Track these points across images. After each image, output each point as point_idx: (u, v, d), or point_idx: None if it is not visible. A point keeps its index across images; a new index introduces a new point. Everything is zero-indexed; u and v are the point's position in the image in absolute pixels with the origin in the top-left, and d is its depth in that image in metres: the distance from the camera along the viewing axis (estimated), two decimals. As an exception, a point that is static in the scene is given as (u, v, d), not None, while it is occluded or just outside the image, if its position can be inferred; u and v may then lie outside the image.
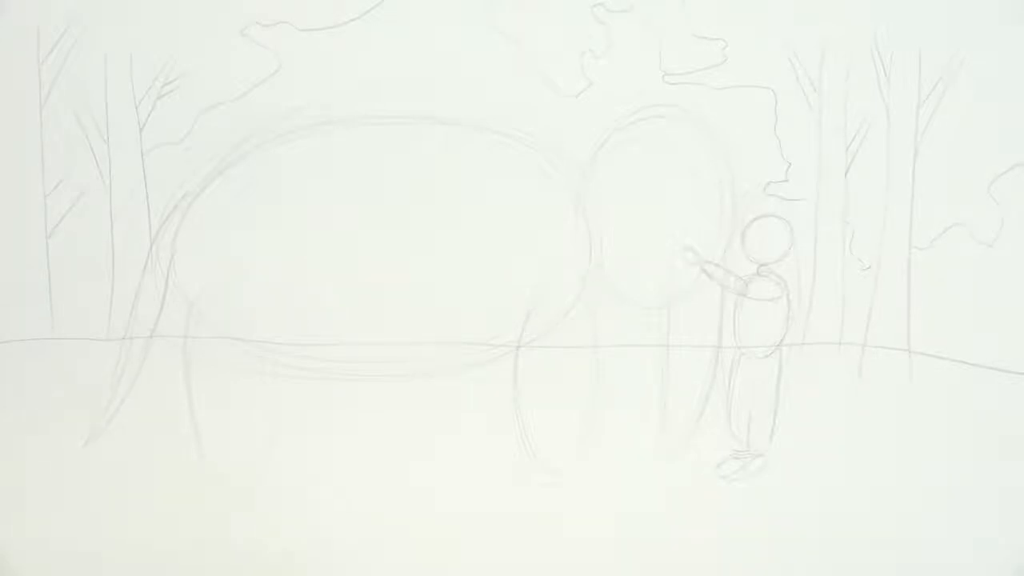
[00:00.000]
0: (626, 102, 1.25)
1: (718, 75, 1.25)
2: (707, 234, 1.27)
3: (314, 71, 1.25)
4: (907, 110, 1.25)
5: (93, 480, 1.29)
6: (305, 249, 1.27)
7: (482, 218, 1.27)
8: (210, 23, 1.24)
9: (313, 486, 1.30)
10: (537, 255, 1.27)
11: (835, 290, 1.28)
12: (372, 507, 1.30)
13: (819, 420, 1.28)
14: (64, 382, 1.28)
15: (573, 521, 1.29)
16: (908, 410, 1.28)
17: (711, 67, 1.25)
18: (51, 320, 1.27)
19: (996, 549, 1.28)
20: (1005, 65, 1.23)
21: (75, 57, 1.24)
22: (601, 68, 1.25)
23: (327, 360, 1.28)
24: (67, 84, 1.25)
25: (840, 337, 1.28)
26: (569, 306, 1.28)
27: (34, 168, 1.26)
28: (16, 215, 1.26)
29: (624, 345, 1.28)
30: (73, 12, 1.24)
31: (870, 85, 1.25)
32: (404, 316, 1.28)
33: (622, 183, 1.27)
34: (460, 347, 1.28)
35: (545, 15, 1.24)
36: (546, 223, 1.27)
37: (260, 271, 1.27)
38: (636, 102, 1.25)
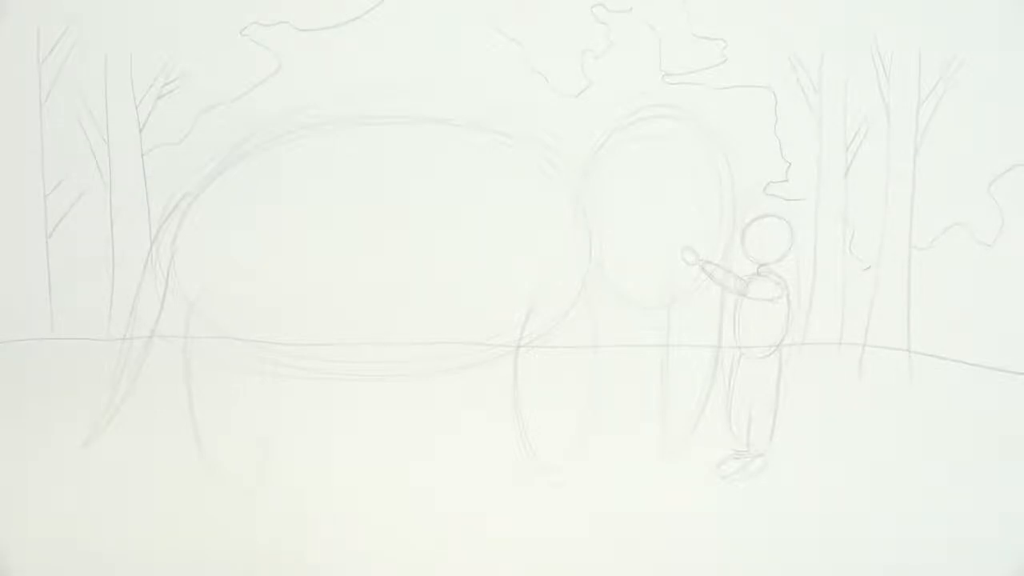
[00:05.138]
0: (626, 102, 1.25)
1: (718, 75, 1.25)
2: (707, 234, 1.27)
3: (314, 71, 1.25)
4: (907, 110, 1.25)
5: (93, 480, 1.29)
6: (305, 249, 1.27)
7: (482, 218, 1.27)
8: (210, 23, 1.24)
9: (313, 486, 1.29)
10: (537, 255, 1.27)
11: (835, 290, 1.28)
12: (372, 507, 1.30)
13: (819, 420, 1.28)
14: (64, 382, 1.28)
15: (573, 521, 1.29)
16: (908, 410, 1.28)
17: (711, 67, 1.25)
18: (51, 320, 1.27)
19: (996, 549, 1.28)
20: (1005, 65, 1.23)
21: (75, 57, 1.24)
22: (601, 68, 1.25)
23: (327, 360, 1.28)
24: (67, 84, 1.25)
25: (840, 337, 1.28)
26: (569, 306, 1.28)
27: (34, 168, 1.26)
28: (16, 215, 1.26)
29: (624, 345, 1.28)
30: (73, 12, 1.24)
31: (870, 85, 1.25)
32: (404, 316, 1.28)
33: (622, 183, 1.27)
34: (460, 347, 1.28)
35: (545, 15, 1.24)
36: (546, 223, 1.27)
37: (260, 271, 1.27)
38: (636, 102, 1.25)
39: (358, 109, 1.25)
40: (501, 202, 1.27)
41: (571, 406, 1.28)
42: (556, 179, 1.26)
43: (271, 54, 1.24)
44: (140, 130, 1.26)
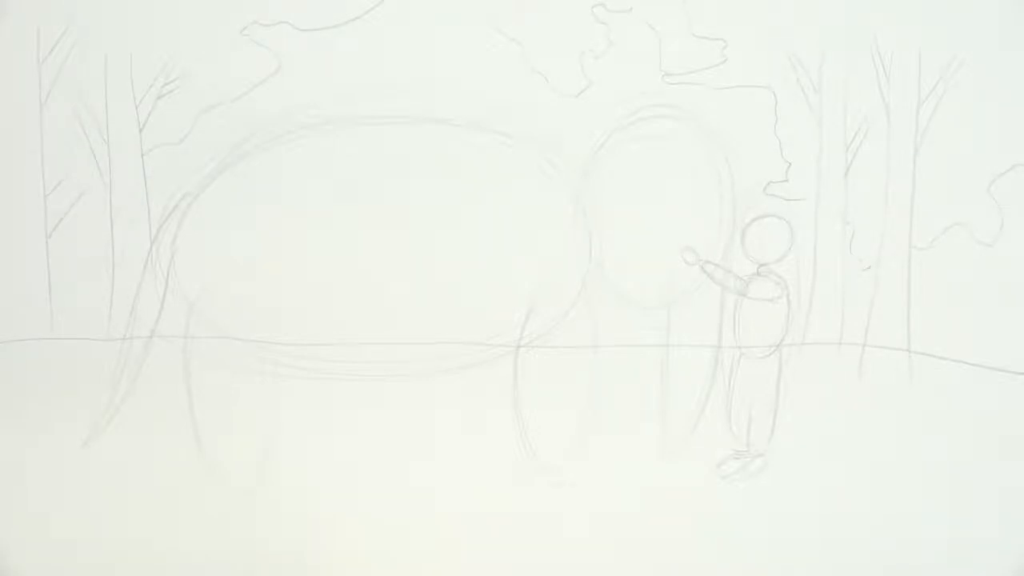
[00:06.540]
0: (626, 102, 1.25)
1: (718, 75, 1.25)
2: (707, 234, 1.27)
3: (314, 71, 1.25)
4: (907, 110, 1.25)
5: (93, 480, 1.29)
6: (305, 249, 1.27)
7: (482, 218, 1.27)
8: (210, 23, 1.24)
9: (313, 486, 1.30)
10: (537, 255, 1.27)
11: (835, 290, 1.28)
12: (372, 507, 1.30)
13: (819, 420, 1.28)
14: (64, 382, 1.28)
15: (573, 521, 1.29)
16: (908, 410, 1.28)
17: (711, 67, 1.25)
18: (51, 320, 1.27)
19: (996, 549, 1.28)
20: (1005, 65, 1.23)
21: (75, 57, 1.24)
22: (601, 68, 1.25)
23: (327, 360, 1.28)
24: (67, 84, 1.25)
25: (840, 337, 1.28)
26: (569, 306, 1.28)
27: (34, 168, 1.26)
28: (16, 215, 1.26)
29: (624, 345, 1.28)
30: (73, 12, 1.23)
31: (870, 85, 1.25)
32: (404, 316, 1.28)
33: (622, 183, 1.27)
34: (460, 347, 1.28)
35: (545, 15, 1.24)
36: (546, 223, 1.27)
37: (260, 271, 1.27)
38: (636, 102, 1.25)
39: (358, 109, 1.25)
40: (501, 202, 1.27)
41: (571, 406, 1.28)
42: (556, 179, 1.26)
43: (271, 54, 1.24)
44: (140, 130, 1.26)
